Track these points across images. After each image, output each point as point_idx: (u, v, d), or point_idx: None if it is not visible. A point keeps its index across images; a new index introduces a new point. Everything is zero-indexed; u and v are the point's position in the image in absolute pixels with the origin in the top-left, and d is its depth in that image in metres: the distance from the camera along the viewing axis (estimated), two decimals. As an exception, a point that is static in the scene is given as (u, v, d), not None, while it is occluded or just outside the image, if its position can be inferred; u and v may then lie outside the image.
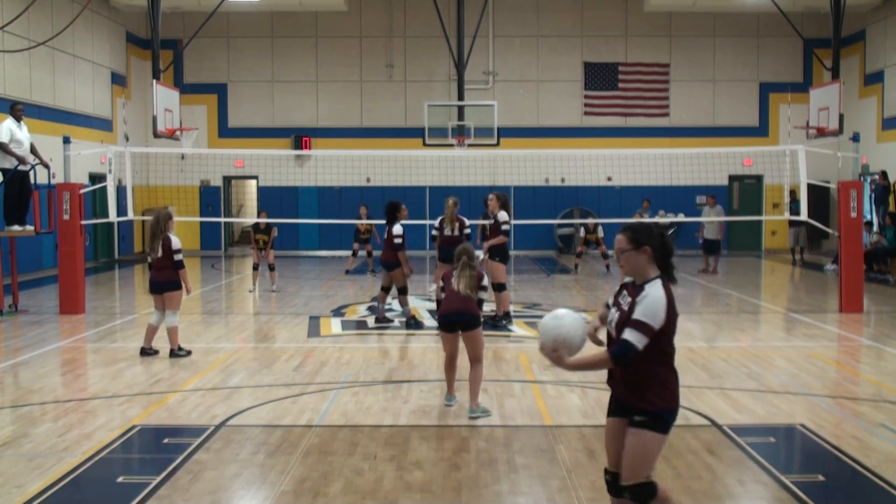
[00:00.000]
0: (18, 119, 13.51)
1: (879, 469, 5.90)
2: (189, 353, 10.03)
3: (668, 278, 4.18)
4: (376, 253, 20.18)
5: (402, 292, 12.31)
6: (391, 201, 12.65)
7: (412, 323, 12.17)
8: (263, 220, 16.32)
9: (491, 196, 12.33)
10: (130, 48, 25.70)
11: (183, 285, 9.99)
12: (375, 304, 12.91)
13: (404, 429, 6.96)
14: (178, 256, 9.92)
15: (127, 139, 16.53)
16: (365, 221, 19.22)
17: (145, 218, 20.73)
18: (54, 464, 6.07)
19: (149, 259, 10.10)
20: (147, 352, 10.00)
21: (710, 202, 20.41)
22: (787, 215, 16.26)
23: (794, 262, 22.21)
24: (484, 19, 23.72)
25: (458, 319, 7.34)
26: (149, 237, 10.07)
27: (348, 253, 20.61)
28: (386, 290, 12.42)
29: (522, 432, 6.82)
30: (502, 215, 12.05)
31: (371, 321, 12.72)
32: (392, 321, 12.45)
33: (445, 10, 22.46)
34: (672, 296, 4.13)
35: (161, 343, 10.17)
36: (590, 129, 26.13)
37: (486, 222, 13.84)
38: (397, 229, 12.05)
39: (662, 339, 4.11)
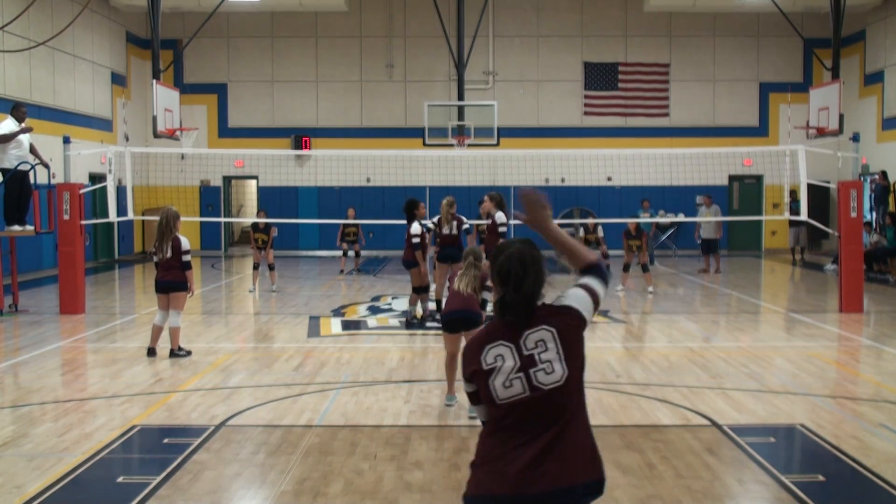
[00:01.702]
0: (21, 120, 13.49)
1: (879, 469, 5.90)
2: (189, 353, 10.03)
3: (498, 316, 3.05)
4: (365, 253, 20.30)
5: (416, 291, 12.27)
6: (410, 199, 12.53)
7: (414, 323, 12.17)
8: (262, 220, 16.32)
9: (485, 197, 12.33)
10: (130, 48, 25.69)
11: (188, 286, 9.99)
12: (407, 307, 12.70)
13: (404, 429, 6.96)
14: (187, 257, 9.90)
15: (127, 139, 16.54)
16: (352, 221, 19.32)
17: (145, 218, 20.80)
18: (54, 464, 6.07)
19: (155, 259, 10.05)
20: (155, 352, 9.98)
21: (707, 202, 20.43)
22: (786, 215, 16.26)
23: (794, 262, 22.21)
24: (484, 19, 23.71)
25: (460, 318, 7.38)
26: (157, 237, 9.98)
27: (340, 254, 20.65)
28: (418, 290, 12.27)
29: (522, 432, 6.82)
30: (500, 216, 12.03)
31: (373, 321, 12.72)
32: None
33: (445, 10, 22.46)
34: (483, 339, 3.05)
35: (162, 343, 10.16)
36: (590, 129, 26.13)
37: (484, 222, 13.82)
38: (415, 228, 11.96)
39: (483, 395, 3.04)
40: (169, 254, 9.84)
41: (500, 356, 2.97)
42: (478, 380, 3.01)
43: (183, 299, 9.98)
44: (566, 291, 3.13)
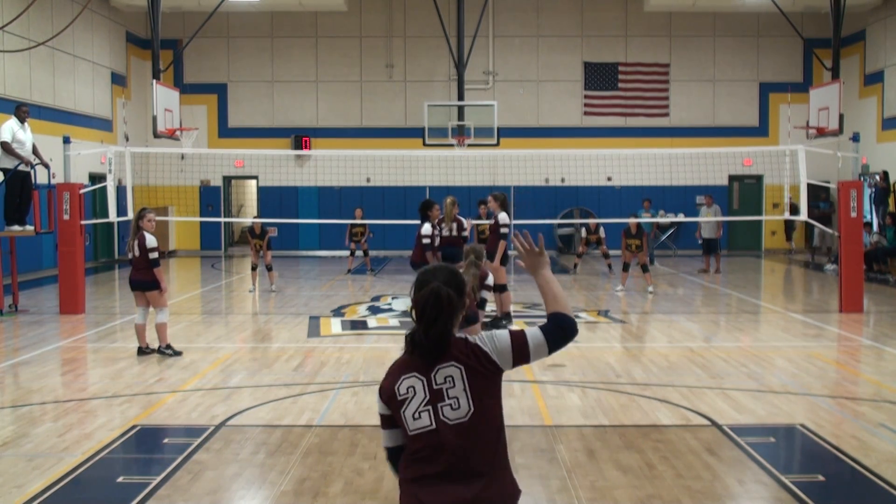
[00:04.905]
0: (23, 120, 13.51)
1: (879, 469, 5.90)
2: (179, 353, 10.01)
3: (407, 352, 3.10)
4: (373, 252, 20.38)
5: None
6: (424, 200, 12.54)
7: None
8: (259, 221, 16.37)
9: (489, 197, 12.33)
10: (130, 48, 25.69)
11: (159, 283, 10.01)
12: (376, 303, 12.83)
13: (404, 429, 6.95)
14: (153, 255, 9.94)
15: (127, 139, 16.53)
16: (360, 222, 19.37)
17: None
18: (54, 464, 6.07)
19: (129, 256, 10.16)
20: (145, 351, 10.02)
21: (708, 202, 20.44)
22: (786, 215, 16.25)
23: (810, 262, 22.06)
24: (484, 19, 23.70)
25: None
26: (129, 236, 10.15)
27: (347, 253, 20.70)
28: None
29: (522, 432, 6.82)
30: (503, 217, 12.03)
31: (373, 321, 12.72)
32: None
33: (445, 10, 22.45)
34: (399, 368, 3.08)
35: (157, 343, 10.18)
36: (590, 129, 26.12)
37: (486, 223, 13.81)
38: (426, 229, 11.93)
39: (398, 422, 3.09)
40: (137, 252, 9.92)
41: (412, 387, 3.00)
42: (392, 407, 3.05)
43: (159, 297, 10.01)
44: (499, 332, 3.08)
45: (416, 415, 2.99)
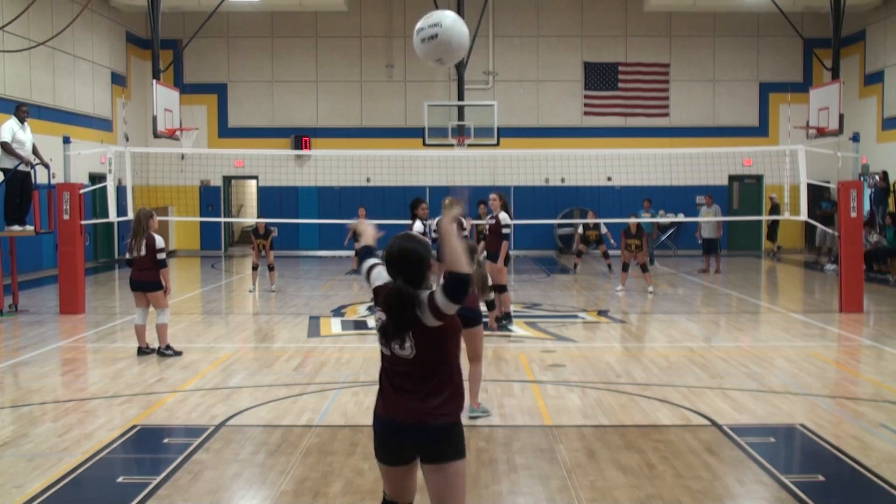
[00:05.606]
0: (22, 120, 13.51)
1: (879, 469, 5.90)
2: (179, 353, 10.01)
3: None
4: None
5: None
6: (414, 199, 12.60)
7: None
8: (262, 222, 16.37)
9: (493, 196, 12.34)
10: (130, 48, 25.69)
11: (164, 284, 10.01)
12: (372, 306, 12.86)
13: (404, 429, 6.95)
14: (162, 255, 9.94)
15: (127, 139, 16.52)
16: (363, 221, 19.42)
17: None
18: (54, 464, 6.07)
19: (128, 256, 10.11)
20: (145, 351, 10.03)
21: (708, 201, 20.45)
22: (786, 214, 16.23)
23: (819, 264, 22.03)
24: (484, 19, 23.71)
25: (461, 315, 7.32)
26: (130, 236, 10.07)
27: (349, 253, 20.71)
28: None
29: (522, 432, 6.82)
30: (504, 217, 12.04)
31: (374, 321, 12.72)
32: None
33: (445, 10, 22.44)
34: (378, 299, 3.97)
35: (157, 343, 10.18)
36: (590, 129, 26.13)
37: (485, 222, 13.80)
38: (417, 227, 12.01)
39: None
40: (143, 252, 9.91)
41: (380, 319, 3.83)
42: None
43: (161, 298, 10.01)
44: (422, 296, 3.69)
45: (380, 340, 3.82)
